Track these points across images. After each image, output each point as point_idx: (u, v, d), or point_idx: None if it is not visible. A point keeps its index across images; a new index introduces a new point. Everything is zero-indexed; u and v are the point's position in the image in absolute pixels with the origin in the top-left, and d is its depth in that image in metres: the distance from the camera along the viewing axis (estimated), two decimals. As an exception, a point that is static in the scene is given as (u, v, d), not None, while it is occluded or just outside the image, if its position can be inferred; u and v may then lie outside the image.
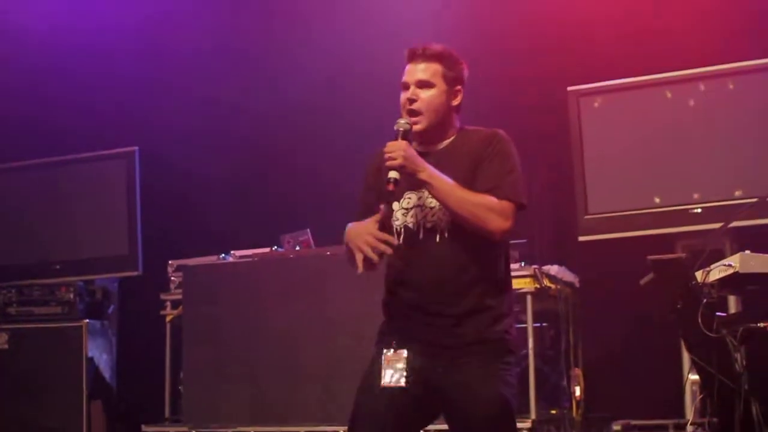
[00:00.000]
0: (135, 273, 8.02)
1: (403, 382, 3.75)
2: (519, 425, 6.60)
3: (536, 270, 6.95)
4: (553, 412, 7.12)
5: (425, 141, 3.92)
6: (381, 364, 3.81)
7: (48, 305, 7.99)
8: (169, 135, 8.73)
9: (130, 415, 7.97)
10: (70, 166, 8.49)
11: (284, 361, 7.23)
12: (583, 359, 7.32)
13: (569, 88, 7.24)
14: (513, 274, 6.76)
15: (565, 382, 7.19)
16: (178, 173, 8.81)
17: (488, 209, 3.70)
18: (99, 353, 7.89)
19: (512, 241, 7.05)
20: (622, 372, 7.63)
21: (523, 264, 7.04)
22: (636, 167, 7.06)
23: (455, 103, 3.93)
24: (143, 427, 7.64)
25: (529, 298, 6.93)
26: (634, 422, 6.27)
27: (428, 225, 3.81)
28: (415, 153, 3.76)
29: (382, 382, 3.77)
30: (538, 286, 6.94)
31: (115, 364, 8.11)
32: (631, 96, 7.17)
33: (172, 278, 7.96)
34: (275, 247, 7.72)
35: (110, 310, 8.20)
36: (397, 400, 3.75)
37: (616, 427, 6.11)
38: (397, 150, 3.71)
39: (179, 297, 7.80)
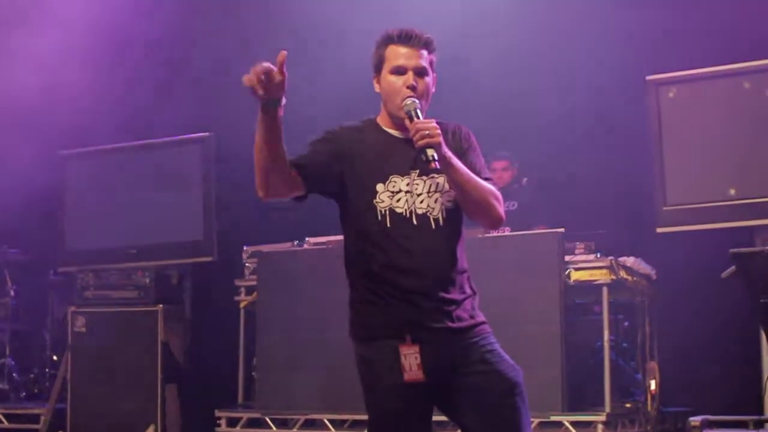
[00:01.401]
0: (210, 259, 8.13)
1: (422, 375, 3.70)
2: (594, 418, 6.67)
3: (613, 261, 6.96)
4: (628, 405, 7.15)
5: (398, 128, 3.88)
6: (390, 358, 3.73)
7: (124, 289, 8.14)
8: (246, 120, 8.82)
9: (204, 400, 8.10)
10: (147, 151, 8.64)
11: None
12: (658, 352, 7.32)
13: (648, 78, 7.21)
14: (589, 264, 6.95)
15: (640, 376, 7.21)
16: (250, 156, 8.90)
17: (495, 197, 3.75)
18: (174, 338, 8.01)
19: (589, 232, 7.28)
20: (699, 366, 7.62)
21: (599, 255, 7.05)
22: (715, 158, 7.02)
23: (433, 91, 3.89)
24: (216, 412, 7.79)
25: (605, 289, 6.94)
26: (712, 418, 6.25)
27: (419, 211, 3.77)
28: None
29: (405, 377, 3.70)
30: (614, 277, 6.95)
31: (189, 349, 8.24)
32: (709, 86, 7.13)
33: (247, 264, 8.07)
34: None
35: (185, 296, 8.32)
36: (416, 394, 3.73)
37: (694, 422, 6.09)
38: (432, 128, 3.62)
39: (253, 283, 7.93)
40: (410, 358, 3.70)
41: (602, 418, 6.67)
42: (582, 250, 7.16)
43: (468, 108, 8.73)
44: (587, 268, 7.04)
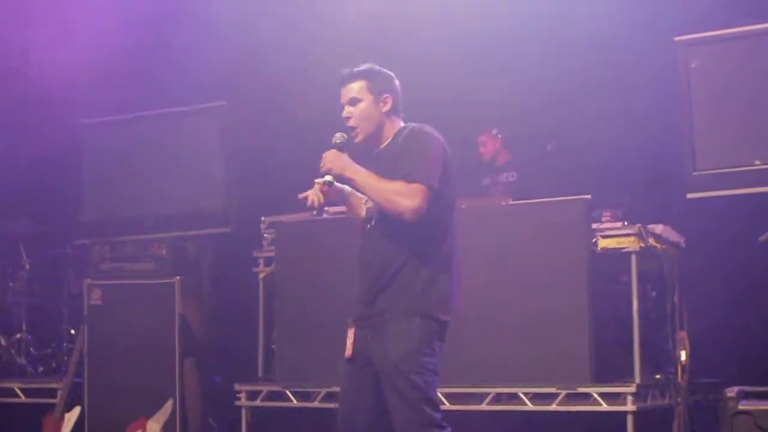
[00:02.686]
0: (228, 230, 8.08)
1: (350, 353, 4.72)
2: (623, 390, 6.60)
3: (641, 229, 6.87)
4: (658, 377, 7.06)
5: (372, 145, 4.64)
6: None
7: (141, 261, 8.09)
8: (263, 90, 8.78)
9: (223, 374, 8.07)
10: (165, 120, 8.58)
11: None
12: (688, 322, 7.22)
13: (676, 38, 7.09)
14: (617, 232, 6.87)
15: (669, 346, 7.12)
16: (273, 128, 8.86)
17: (397, 193, 4.33)
18: (192, 310, 7.96)
19: (616, 200, 7.20)
20: (729, 336, 7.54)
21: (626, 223, 6.97)
22: (745, 121, 6.91)
23: (385, 109, 4.60)
24: (236, 386, 7.77)
25: (633, 258, 6.87)
26: (748, 389, 6.17)
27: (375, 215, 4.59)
28: (342, 157, 4.49)
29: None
30: (642, 245, 6.87)
31: (208, 322, 8.20)
32: (740, 47, 7.00)
33: (265, 235, 8.02)
34: (370, 202, 7.72)
35: (203, 268, 8.27)
36: (349, 369, 4.76)
37: (730, 393, 6.01)
38: (326, 158, 4.50)
39: (272, 254, 7.90)
40: (348, 339, 4.74)
41: (632, 389, 6.61)
42: (609, 218, 7.08)
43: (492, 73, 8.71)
44: (615, 236, 6.96)
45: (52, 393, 8.15)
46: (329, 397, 7.38)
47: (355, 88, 4.60)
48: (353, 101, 4.59)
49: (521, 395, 6.93)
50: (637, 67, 8.09)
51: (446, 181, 4.46)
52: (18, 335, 9.41)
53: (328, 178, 4.53)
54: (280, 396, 7.61)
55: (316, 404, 7.49)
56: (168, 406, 7.70)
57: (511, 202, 7.42)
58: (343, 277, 7.32)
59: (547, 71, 8.66)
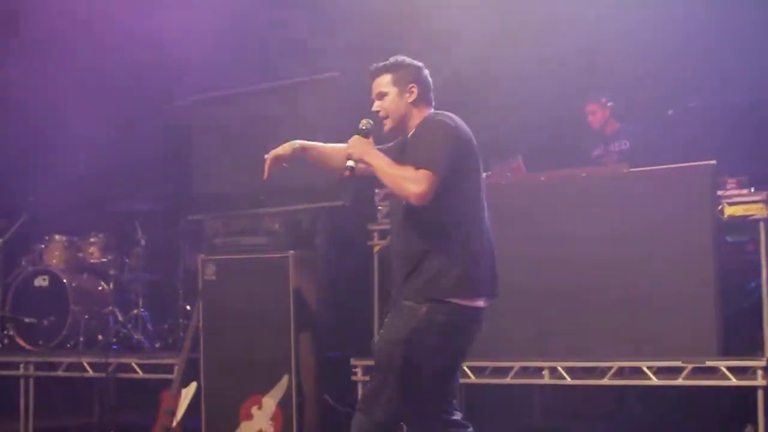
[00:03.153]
0: (342, 202, 7.97)
1: None
2: (753, 364, 6.39)
3: (770, 195, 6.65)
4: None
5: (400, 133, 4.96)
6: None
7: (254, 236, 8.06)
8: (368, 59, 8.71)
9: (339, 348, 8.03)
10: (274, 93, 8.54)
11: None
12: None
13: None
14: (744, 199, 6.64)
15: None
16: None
17: (404, 178, 4.60)
18: (306, 285, 7.92)
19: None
20: None
21: (753, 189, 6.73)
22: None
23: (411, 99, 4.91)
24: (352, 361, 7.72)
25: (761, 225, 6.66)
26: None
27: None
28: (363, 143, 4.83)
29: None
30: (771, 211, 6.63)
31: (323, 295, 8.15)
32: None
33: (380, 207, 7.97)
34: (485, 174, 7.61)
35: (317, 241, 8.22)
36: None
37: None
38: (350, 143, 4.87)
39: (387, 227, 7.75)
40: None
41: (762, 363, 6.40)
42: (734, 185, 6.85)
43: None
44: (742, 203, 6.73)
45: (169, 369, 8.20)
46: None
47: (382, 82, 4.94)
48: (380, 95, 4.94)
49: (645, 369, 6.75)
50: (763, 26, 7.83)
51: (462, 166, 4.71)
52: (135, 311, 9.53)
53: (350, 163, 4.87)
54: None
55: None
56: (283, 382, 7.68)
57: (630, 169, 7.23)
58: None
59: (665, 33, 8.44)
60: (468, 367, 7.21)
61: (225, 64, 9.19)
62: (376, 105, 4.96)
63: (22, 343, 9.47)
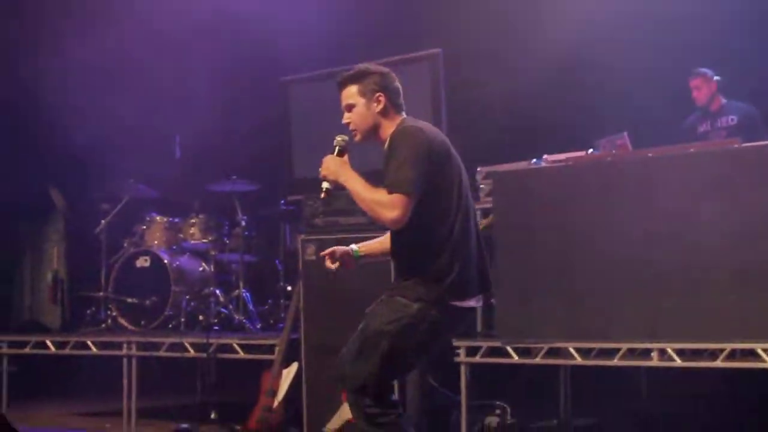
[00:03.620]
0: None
1: None
2: None
3: None
4: None
5: (373, 142, 5.02)
6: None
7: (353, 215, 7.99)
8: (478, 35, 8.64)
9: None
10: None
11: (603, 272, 7.02)
12: None
13: None
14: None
15: None
16: (482, 75, 8.70)
17: (379, 204, 4.72)
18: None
19: None
20: None
21: None
22: None
23: (379, 108, 4.94)
24: (455, 342, 7.62)
25: None
26: None
27: None
28: (337, 163, 4.91)
29: None
30: None
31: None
32: None
33: (481, 186, 7.88)
34: (590, 150, 7.48)
35: (416, 220, 8.14)
36: None
37: None
38: (324, 164, 4.93)
39: (489, 206, 7.74)
40: None
41: None
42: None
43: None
44: None
45: (269, 349, 8.19)
46: (552, 352, 7.17)
47: (348, 93, 4.97)
48: (348, 107, 4.99)
49: (760, 351, 6.53)
50: None
51: (439, 175, 4.77)
52: (236, 292, 9.56)
53: (325, 185, 4.95)
54: (500, 352, 7.41)
55: (537, 360, 7.27)
56: (385, 362, 7.61)
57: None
58: (565, 228, 7.17)
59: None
60: (574, 348, 7.08)
61: (325, 43, 9.14)
62: (346, 117, 5.02)
63: (124, 323, 9.59)
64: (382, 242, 5.30)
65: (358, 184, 4.84)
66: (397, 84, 5.04)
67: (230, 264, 9.88)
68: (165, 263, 9.54)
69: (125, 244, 10.01)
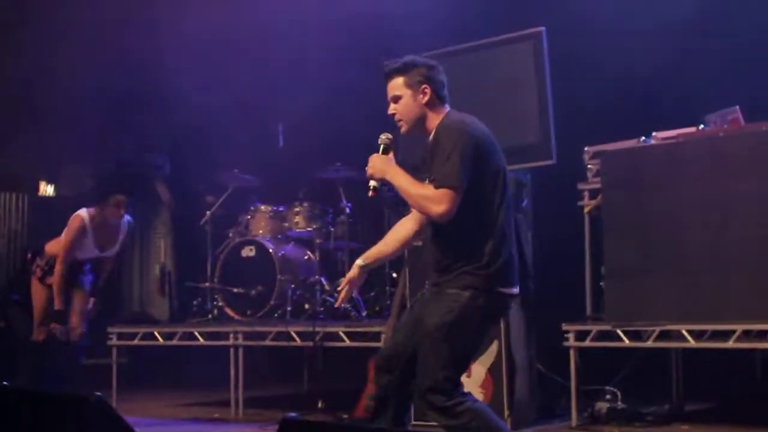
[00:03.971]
0: (549, 162, 7.80)
1: None
2: None
3: None
4: None
5: (418, 134, 5.07)
6: None
7: (459, 198, 7.92)
8: (582, 14, 8.51)
9: (550, 313, 7.83)
10: (476, 53, 8.36)
11: (716, 252, 6.86)
12: None
13: None
14: None
15: None
16: (589, 53, 8.55)
17: (426, 198, 4.80)
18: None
19: None
20: None
21: None
22: None
23: (425, 100, 5.00)
24: (564, 326, 7.52)
25: None
26: None
27: None
28: (383, 161, 4.98)
29: None
30: None
31: (532, 259, 7.96)
32: None
33: (589, 166, 7.77)
34: (701, 126, 7.29)
35: (524, 203, 8.03)
36: None
37: None
38: (370, 163, 4.99)
39: (597, 186, 7.64)
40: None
41: None
42: None
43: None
44: None
45: (376, 336, 8.15)
46: (664, 335, 7.05)
47: (395, 85, 5.03)
48: (395, 98, 5.03)
49: None
50: None
51: (485, 166, 4.86)
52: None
53: (372, 183, 5.01)
54: (611, 335, 7.30)
55: (649, 344, 7.14)
56: (493, 348, 7.54)
57: None
58: (676, 207, 7.00)
59: None
60: (686, 330, 6.91)
61: (432, 26, 9.06)
62: (392, 108, 5.08)
63: (231, 313, 9.64)
64: (386, 243, 5.43)
65: (404, 181, 4.90)
66: (443, 77, 5.11)
67: (335, 252, 9.86)
68: (270, 252, 9.56)
69: (230, 235, 10.06)
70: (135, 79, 10.64)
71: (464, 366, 5.04)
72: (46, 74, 10.34)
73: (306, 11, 9.84)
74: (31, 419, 4.53)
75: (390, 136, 5.07)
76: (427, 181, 4.91)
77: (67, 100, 10.63)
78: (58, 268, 8.36)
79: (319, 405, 8.65)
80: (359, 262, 5.36)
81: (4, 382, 4.81)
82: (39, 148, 11.22)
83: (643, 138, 7.46)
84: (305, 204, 9.82)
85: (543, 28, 7.93)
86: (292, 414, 8.34)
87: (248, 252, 9.78)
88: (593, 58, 8.67)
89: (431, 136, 5.01)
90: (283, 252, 9.67)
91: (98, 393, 4.36)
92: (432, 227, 5.04)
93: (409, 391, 5.05)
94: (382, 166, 4.98)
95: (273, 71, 10.21)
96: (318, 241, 9.68)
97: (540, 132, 7.83)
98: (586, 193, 7.78)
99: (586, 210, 7.77)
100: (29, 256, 8.91)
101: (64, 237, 8.41)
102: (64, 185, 12.72)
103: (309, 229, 9.72)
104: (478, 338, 5.07)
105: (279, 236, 9.88)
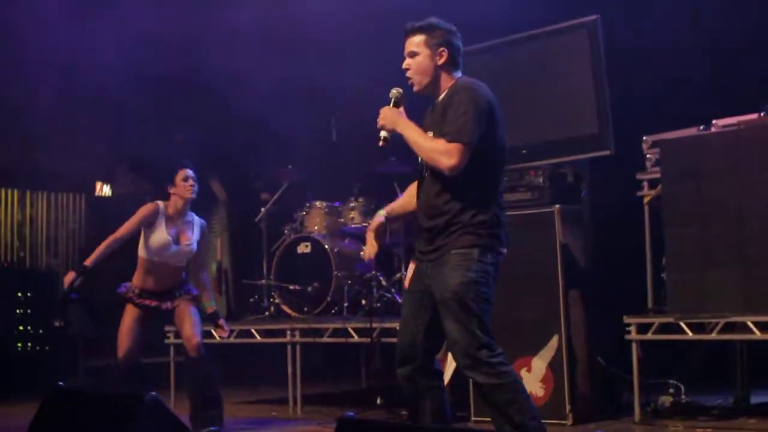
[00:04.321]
0: (607, 152, 7.70)
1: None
2: None
3: None
4: None
5: (431, 94, 5.20)
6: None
7: (517, 191, 7.85)
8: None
9: (610, 306, 7.73)
10: (531, 42, 8.28)
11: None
12: None
13: None
14: None
15: None
16: (647, 40, 8.44)
17: (437, 152, 4.91)
18: (573, 240, 7.66)
19: None
20: None
21: None
22: None
23: (441, 62, 5.13)
24: (625, 318, 7.42)
25: None
26: None
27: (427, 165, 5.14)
28: (395, 113, 5.09)
29: None
30: None
31: (591, 251, 7.87)
32: None
33: (648, 155, 7.68)
34: (763, 113, 7.14)
35: (583, 194, 7.95)
36: None
37: None
38: (381, 114, 5.11)
39: (657, 175, 7.54)
40: (408, 272, 5.55)
41: None
42: None
43: None
44: None
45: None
46: (728, 328, 6.92)
47: (415, 41, 5.15)
48: (412, 54, 5.15)
49: None
50: None
51: (492, 132, 5.00)
52: (398, 275, 9.48)
53: (383, 134, 5.12)
54: (673, 328, 7.19)
55: (713, 336, 7.02)
56: (553, 342, 7.45)
57: None
58: (738, 195, 6.87)
59: None
60: (752, 322, 6.78)
61: (482, 15, 8.96)
62: (407, 62, 5.18)
63: (287, 310, 9.63)
64: (410, 195, 5.45)
65: (415, 133, 5.03)
66: (461, 43, 5.22)
67: (391, 247, 9.80)
68: (326, 248, 9.54)
69: (286, 231, 10.06)
70: (192, 78, 10.63)
71: (490, 323, 5.04)
72: (104, 73, 10.34)
73: (364, 1, 9.76)
74: (87, 419, 4.53)
75: (401, 90, 5.20)
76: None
77: (123, 98, 10.65)
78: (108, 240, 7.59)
79: (378, 402, 8.61)
80: (382, 212, 5.52)
81: (60, 383, 4.78)
82: (96, 148, 11.27)
83: (703, 126, 7.34)
84: (360, 199, 9.80)
85: (597, 16, 7.82)
86: (350, 413, 8.30)
87: (304, 248, 9.76)
88: (648, 45, 8.56)
89: (443, 96, 5.13)
90: (338, 248, 9.64)
91: (153, 392, 4.34)
92: (433, 184, 5.08)
93: (436, 372, 5.34)
94: (393, 117, 5.10)
95: (325, 63, 10.16)
96: (374, 236, 9.62)
97: (597, 122, 7.73)
98: (646, 183, 7.70)
99: (645, 200, 7.68)
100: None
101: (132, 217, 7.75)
102: (120, 185, 12.79)
103: (365, 224, 9.65)
104: (494, 294, 5.10)
105: (335, 232, 9.85)
